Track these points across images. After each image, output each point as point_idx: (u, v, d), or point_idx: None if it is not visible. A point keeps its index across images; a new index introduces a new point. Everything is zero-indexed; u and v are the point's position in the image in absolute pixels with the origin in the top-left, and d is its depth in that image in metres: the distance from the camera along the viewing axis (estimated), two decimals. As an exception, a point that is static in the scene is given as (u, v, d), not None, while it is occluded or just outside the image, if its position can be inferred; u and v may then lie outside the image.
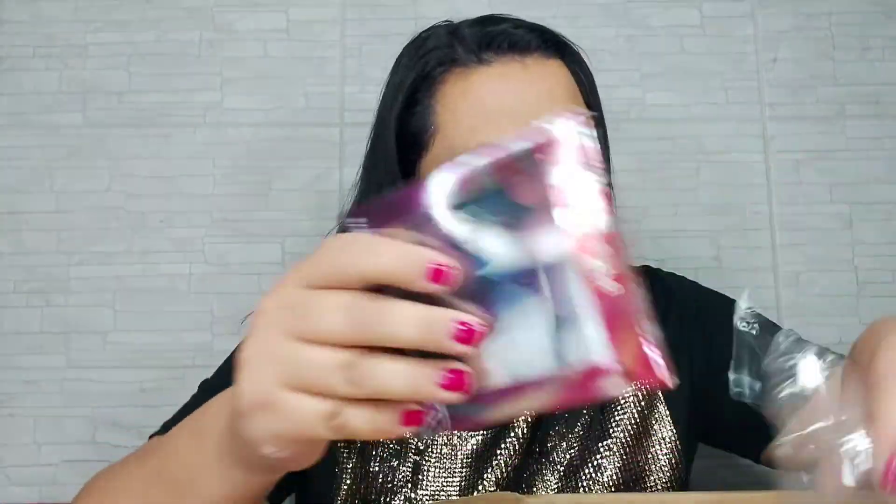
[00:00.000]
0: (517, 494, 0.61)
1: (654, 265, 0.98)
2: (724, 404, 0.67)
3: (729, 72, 1.04)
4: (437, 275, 0.32)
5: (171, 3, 1.05)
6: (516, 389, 0.32)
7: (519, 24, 0.66)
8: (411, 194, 0.32)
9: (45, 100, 1.02)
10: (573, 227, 0.29)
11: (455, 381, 0.32)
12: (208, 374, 0.97)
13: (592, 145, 0.30)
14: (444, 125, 0.62)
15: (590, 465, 0.65)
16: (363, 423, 0.33)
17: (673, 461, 0.67)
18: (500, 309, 0.31)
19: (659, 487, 0.66)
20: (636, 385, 0.65)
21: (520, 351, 0.31)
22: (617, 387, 0.30)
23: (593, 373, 0.30)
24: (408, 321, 0.32)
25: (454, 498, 0.65)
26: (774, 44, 1.04)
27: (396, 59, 0.68)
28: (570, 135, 0.30)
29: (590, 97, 0.67)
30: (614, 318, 0.29)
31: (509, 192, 0.31)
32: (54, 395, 0.97)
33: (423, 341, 0.32)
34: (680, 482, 0.67)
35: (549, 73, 0.63)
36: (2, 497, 0.95)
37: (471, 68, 0.62)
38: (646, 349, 0.29)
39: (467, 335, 0.31)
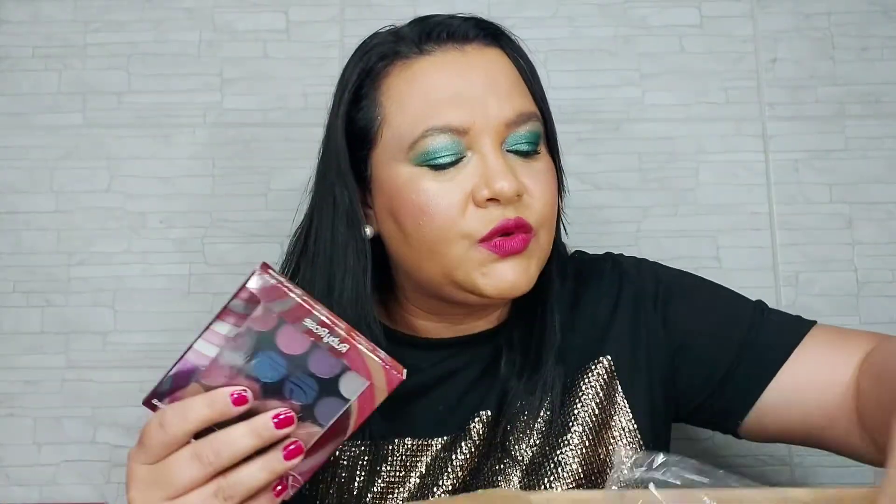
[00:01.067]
0: (521, 492, 0.61)
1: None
2: (691, 383, 0.68)
3: (728, 72, 1.04)
4: (238, 400, 0.47)
5: (171, 4, 1.05)
6: (330, 431, 0.49)
7: (455, 16, 0.68)
8: (186, 364, 0.48)
9: (45, 100, 1.02)
10: (300, 328, 0.47)
11: (294, 450, 0.47)
12: (208, 374, 0.97)
13: (275, 281, 0.48)
14: (390, 115, 0.64)
15: (551, 461, 0.65)
16: None
17: (634, 442, 0.66)
18: (293, 392, 0.48)
19: None
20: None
21: (319, 409, 0.48)
22: (381, 390, 0.48)
23: (364, 394, 0.48)
24: (241, 438, 0.46)
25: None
26: (774, 44, 1.04)
27: (344, 66, 0.70)
28: (260, 282, 0.48)
29: (532, 84, 0.68)
30: (354, 359, 0.48)
31: (253, 330, 0.48)
32: (54, 395, 0.97)
33: (259, 443, 0.47)
34: None
35: (489, 61, 0.65)
36: (2, 497, 0.95)
37: (412, 59, 0.65)
38: (379, 362, 0.48)
39: (285, 421, 0.47)
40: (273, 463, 0.47)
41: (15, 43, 1.03)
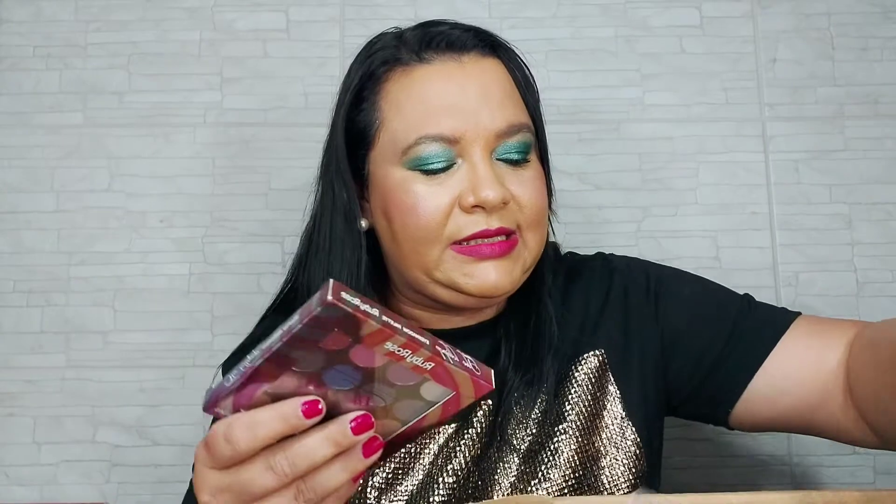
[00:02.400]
0: (546, 497, 0.62)
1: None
2: (682, 374, 0.70)
3: (728, 72, 1.04)
4: (310, 411, 0.44)
5: (171, 3, 1.05)
6: (411, 428, 0.47)
7: (456, 25, 0.70)
8: (248, 377, 0.44)
9: (45, 100, 1.02)
10: (380, 350, 0.43)
11: (374, 447, 0.45)
12: (208, 374, 0.97)
13: (350, 309, 0.41)
14: (388, 120, 0.67)
15: (548, 449, 0.67)
16: None
17: (628, 440, 0.68)
18: (370, 399, 0.45)
19: (616, 468, 0.67)
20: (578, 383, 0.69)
21: (399, 409, 0.46)
22: (467, 397, 0.46)
23: (449, 401, 0.46)
24: (318, 448, 0.44)
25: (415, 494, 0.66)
26: (774, 44, 1.04)
27: (349, 66, 0.73)
28: (330, 312, 0.41)
29: (526, 94, 0.71)
30: (439, 374, 0.44)
31: (324, 350, 0.43)
32: (54, 395, 0.97)
33: (337, 451, 0.44)
34: (639, 461, 0.68)
35: (484, 71, 0.68)
36: (2, 497, 0.95)
37: (412, 66, 0.67)
38: (467, 375, 0.45)
39: (363, 425, 0.44)
40: (353, 463, 0.45)
41: (16, 42, 1.03)
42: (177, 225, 1.01)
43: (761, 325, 0.68)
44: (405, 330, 0.43)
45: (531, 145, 0.68)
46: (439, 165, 0.65)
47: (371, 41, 0.73)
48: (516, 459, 0.66)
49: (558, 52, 1.05)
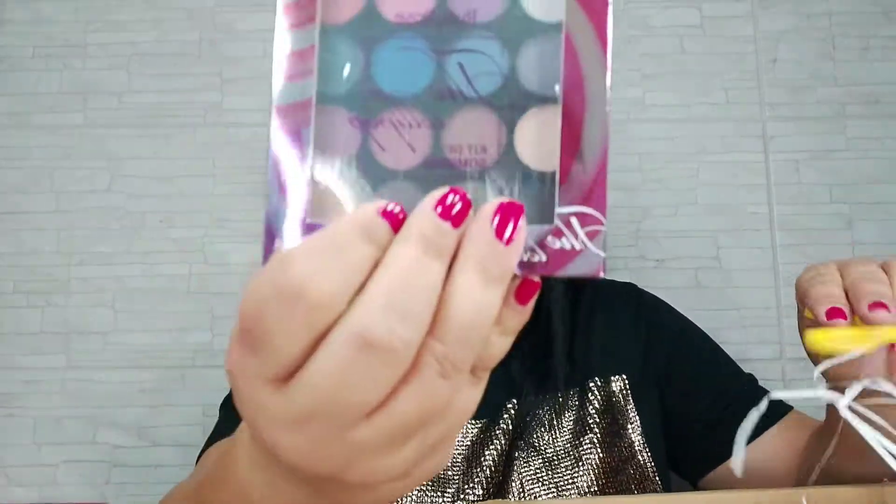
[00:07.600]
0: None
1: (653, 265, 0.99)
2: (675, 424, 0.73)
3: (729, 72, 1.04)
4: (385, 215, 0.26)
5: (171, 3, 1.05)
6: None
7: None
8: None
9: (45, 100, 1.02)
10: None
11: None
12: (208, 374, 0.97)
13: None
14: None
15: (572, 456, 0.69)
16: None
17: (645, 460, 0.70)
18: None
19: (634, 480, 0.69)
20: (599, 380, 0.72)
21: None
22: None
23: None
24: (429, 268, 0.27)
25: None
26: (774, 44, 1.04)
27: None
28: None
29: None
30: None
31: None
32: (54, 395, 0.97)
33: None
34: (652, 480, 0.70)
35: None
36: (2, 497, 0.95)
37: None
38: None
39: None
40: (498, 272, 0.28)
41: (16, 43, 1.03)
42: (177, 225, 1.01)
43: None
44: None
45: None
46: None
47: None
48: (539, 461, 0.68)
49: (558, 52, 1.04)
